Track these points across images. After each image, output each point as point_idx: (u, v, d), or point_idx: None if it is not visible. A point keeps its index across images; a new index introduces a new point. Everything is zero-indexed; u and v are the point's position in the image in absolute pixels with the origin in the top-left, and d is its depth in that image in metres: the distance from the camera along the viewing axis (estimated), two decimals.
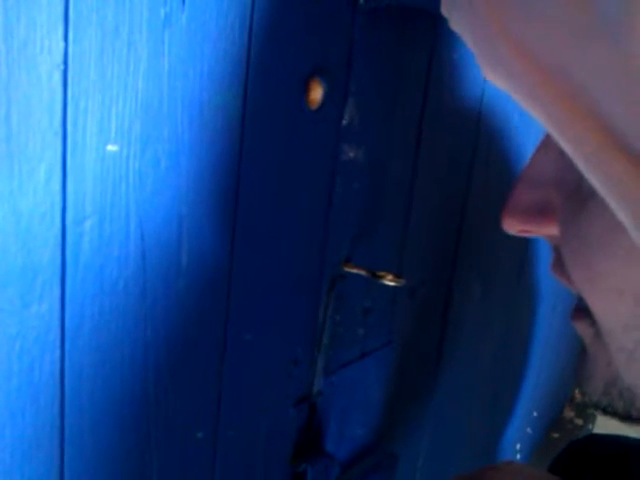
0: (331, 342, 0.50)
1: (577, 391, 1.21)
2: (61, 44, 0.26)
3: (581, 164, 0.22)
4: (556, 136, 0.23)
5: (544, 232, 0.36)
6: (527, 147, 0.68)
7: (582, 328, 0.35)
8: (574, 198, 0.31)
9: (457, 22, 0.29)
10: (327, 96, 0.42)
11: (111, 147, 0.30)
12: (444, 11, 0.31)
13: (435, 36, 0.51)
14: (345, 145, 0.45)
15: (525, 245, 0.78)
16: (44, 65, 0.26)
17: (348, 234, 0.49)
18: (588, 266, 0.30)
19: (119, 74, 0.29)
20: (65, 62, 0.27)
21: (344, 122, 0.44)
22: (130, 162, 0.31)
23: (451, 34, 0.52)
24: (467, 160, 0.61)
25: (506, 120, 0.65)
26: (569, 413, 1.23)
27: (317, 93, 0.41)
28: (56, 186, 0.28)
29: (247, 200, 0.38)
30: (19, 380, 0.30)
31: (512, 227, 0.37)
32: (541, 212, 0.35)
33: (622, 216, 0.22)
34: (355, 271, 0.49)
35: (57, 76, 0.27)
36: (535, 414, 1.08)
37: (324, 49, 0.40)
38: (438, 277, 0.63)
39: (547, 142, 0.34)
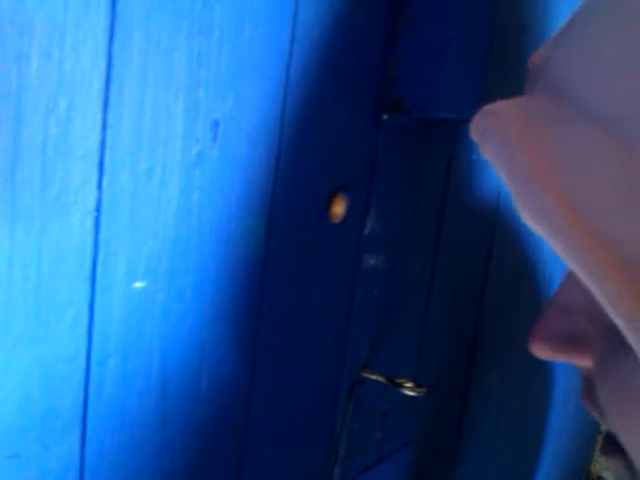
0: (348, 450, 0.49)
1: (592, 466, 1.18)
2: (94, 192, 0.26)
3: (632, 342, 0.21)
4: (603, 304, 0.22)
5: (576, 362, 0.35)
6: (543, 244, 0.68)
7: (615, 466, 0.33)
8: (611, 335, 0.30)
9: (489, 151, 0.28)
10: (350, 209, 0.42)
11: (138, 284, 0.29)
12: (474, 135, 0.31)
13: (454, 140, 0.52)
14: (366, 254, 0.45)
15: None
16: (77, 214, 0.26)
17: (367, 340, 0.48)
18: (626, 413, 0.29)
19: (150, 214, 0.29)
20: (98, 209, 0.27)
21: (365, 232, 0.44)
22: (156, 296, 0.30)
23: (469, 136, 0.53)
24: (484, 257, 0.60)
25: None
26: None
27: (340, 207, 0.41)
28: (82, 329, 0.28)
29: (269, 318, 0.38)
30: None
31: (541, 352, 0.36)
32: (572, 341, 0.34)
33: None
34: (374, 377, 0.48)
35: (89, 223, 0.27)
36: None
37: (347, 166, 0.41)
38: (456, 372, 0.62)
39: None
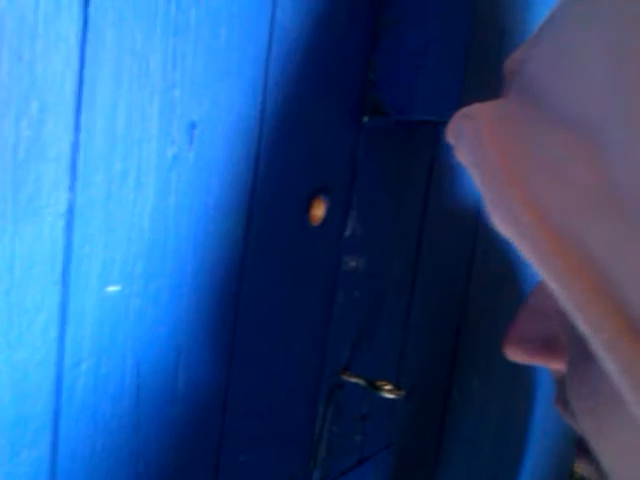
0: (328, 453, 0.49)
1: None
2: (67, 195, 0.26)
3: (596, 347, 0.21)
4: (569, 310, 0.22)
5: (550, 366, 0.35)
6: None
7: (587, 469, 0.33)
8: (581, 341, 0.31)
9: (463, 154, 0.28)
10: (330, 211, 0.42)
11: (112, 288, 0.29)
12: (449, 138, 0.31)
13: (436, 142, 0.52)
14: (347, 256, 0.45)
15: None
16: (49, 217, 0.26)
17: (347, 342, 0.48)
18: (596, 417, 0.29)
19: (125, 217, 0.28)
20: (71, 212, 0.26)
21: (346, 234, 0.44)
22: (131, 300, 0.30)
23: None
24: (466, 259, 0.61)
25: None
26: None
27: (320, 210, 0.41)
28: (54, 334, 0.27)
29: (247, 321, 0.37)
30: None
31: (516, 357, 0.36)
32: (547, 345, 0.34)
33: (633, 399, 0.21)
34: (353, 380, 0.48)
35: (62, 226, 0.26)
36: None
37: (328, 168, 0.41)
38: (437, 375, 0.62)
39: None
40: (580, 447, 0.34)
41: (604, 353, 0.21)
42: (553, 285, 0.23)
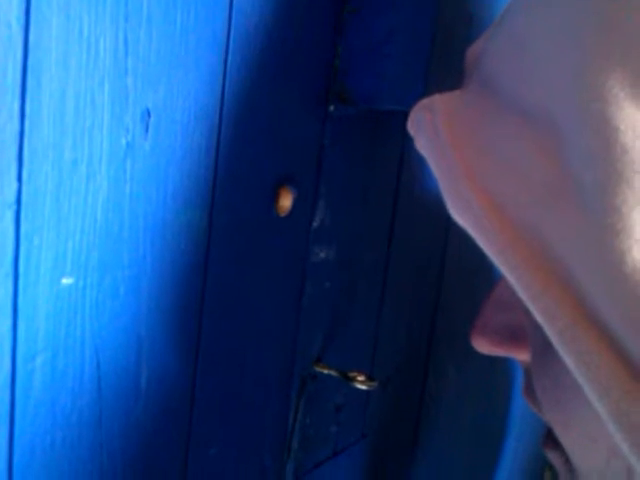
0: (301, 445, 0.48)
1: None
2: (14, 184, 0.25)
3: (552, 337, 0.21)
4: (525, 301, 0.22)
5: (516, 356, 0.35)
6: None
7: (554, 459, 0.33)
8: (543, 333, 0.30)
9: (422, 145, 0.28)
10: (297, 202, 0.41)
11: (66, 280, 0.28)
12: (410, 129, 0.31)
13: (405, 132, 0.52)
14: (316, 246, 0.45)
15: None
16: None
17: (319, 333, 0.48)
18: (559, 408, 0.29)
19: (76, 207, 0.28)
20: (18, 201, 0.26)
21: (314, 224, 0.44)
22: (87, 292, 0.30)
23: None
24: (439, 249, 0.60)
25: None
26: None
27: (286, 200, 0.40)
28: (5, 326, 0.27)
29: (213, 314, 0.37)
30: None
31: (481, 347, 0.36)
32: (512, 336, 0.34)
33: (589, 390, 0.21)
34: (326, 372, 0.48)
35: (9, 216, 0.26)
36: None
37: (293, 157, 0.40)
38: (413, 364, 0.62)
39: None
40: (548, 438, 0.33)
41: (559, 342, 0.21)
42: (508, 276, 0.23)
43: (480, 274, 0.65)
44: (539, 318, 0.21)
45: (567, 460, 0.31)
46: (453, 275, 0.62)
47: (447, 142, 0.26)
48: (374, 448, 0.59)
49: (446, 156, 0.26)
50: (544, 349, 0.30)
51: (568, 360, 0.21)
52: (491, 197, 0.24)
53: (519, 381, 0.87)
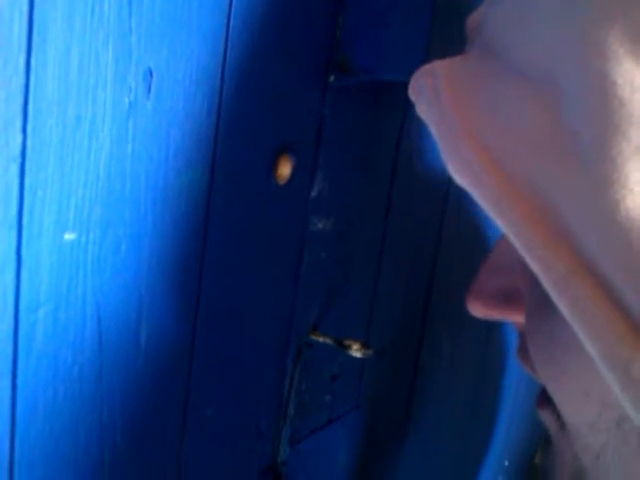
0: (297, 411, 0.49)
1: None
2: (19, 137, 0.26)
3: (548, 287, 0.22)
4: (522, 254, 0.23)
5: (511, 319, 0.35)
6: None
7: (546, 418, 0.34)
8: (539, 290, 0.31)
9: (423, 110, 0.29)
10: (296, 170, 0.42)
11: (69, 235, 0.29)
12: (411, 95, 0.31)
13: (406, 104, 0.52)
14: (314, 216, 0.45)
15: None
16: (1, 159, 0.26)
17: (316, 302, 0.48)
18: (553, 363, 0.29)
19: (79, 163, 0.28)
20: (23, 154, 0.26)
21: (313, 194, 0.44)
22: (89, 248, 0.30)
23: None
24: (437, 221, 0.61)
25: None
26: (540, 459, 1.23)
27: (285, 168, 0.41)
28: (9, 277, 0.27)
29: (211, 275, 0.38)
30: None
31: (477, 311, 0.36)
32: (507, 299, 0.35)
33: (584, 338, 0.21)
34: (322, 340, 0.48)
35: (14, 169, 0.26)
36: (506, 463, 1.07)
37: (293, 126, 0.41)
38: (407, 336, 0.63)
39: None
40: (542, 397, 0.34)
41: (555, 291, 0.22)
42: (507, 229, 0.24)
43: (477, 246, 0.65)
44: (536, 269, 0.22)
45: (559, 417, 0.32)
46: (450, 247, 0.63)
47: (447, 104, 0.27)
48: (369, 417, 0.60)
49: (446, 117, 0.26)
50: (539, 306, 0.30)
51: (563, 307, 0.21)
52: (490, 153, 0.25)
53: (513, 354, 0.88)
